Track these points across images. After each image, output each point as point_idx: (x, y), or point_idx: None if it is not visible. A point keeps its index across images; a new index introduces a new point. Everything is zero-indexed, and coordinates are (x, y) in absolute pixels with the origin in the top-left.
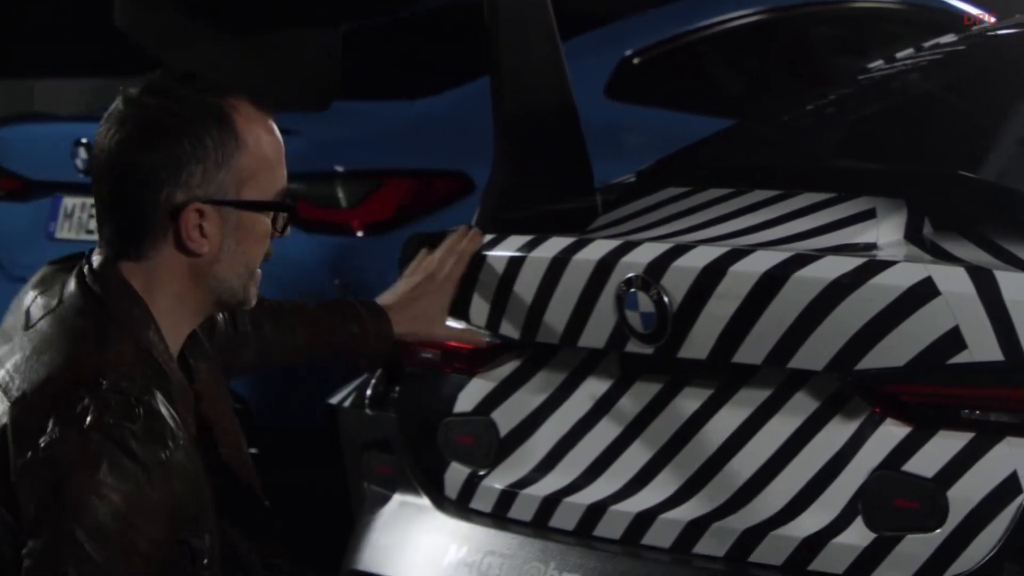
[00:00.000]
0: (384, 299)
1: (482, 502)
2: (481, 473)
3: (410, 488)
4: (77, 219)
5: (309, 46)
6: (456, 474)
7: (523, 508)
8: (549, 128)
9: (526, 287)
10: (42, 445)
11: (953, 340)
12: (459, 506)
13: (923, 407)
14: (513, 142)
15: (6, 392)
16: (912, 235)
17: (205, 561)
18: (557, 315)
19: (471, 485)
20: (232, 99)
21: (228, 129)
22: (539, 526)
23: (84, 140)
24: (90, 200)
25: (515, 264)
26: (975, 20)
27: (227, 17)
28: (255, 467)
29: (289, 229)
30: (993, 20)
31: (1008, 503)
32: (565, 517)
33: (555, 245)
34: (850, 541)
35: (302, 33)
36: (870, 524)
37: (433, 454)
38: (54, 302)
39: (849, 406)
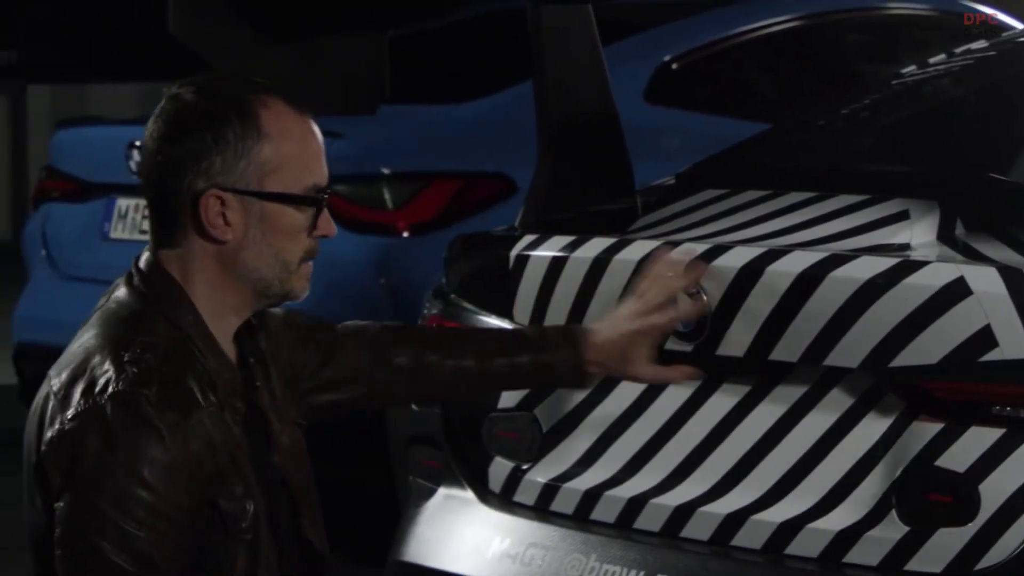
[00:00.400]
0: (588, 328)
1: (525, 495)
2: (524, 467)
3: (455, 482)
4: (131, 219)
5: (357, 52)
6: (500, 468)
7: (565, 501)
8: (590, 131)
9: (568, 286)
10: (67, 418)
11: (985, 338)
12: (503, 499)
13: (955, 403)
14: (555, 145)
15: (49, 377)
16: (945, 236)
17: (244, 525)
18: (599, 313)
19: (514, 479)
20: (263, 96)
21: (250, 123)
22: (581, 519)
23: (137, 143)
24: (143, 201)
25: (557, 264)
26: (976, 19)
27: (278, 24)
28: (316, 493)
29: (332, 227)
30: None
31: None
32: (606, 510)
33: (596, 245)
34: (884, 534)
35: (350, 39)
36: (903, 518)
37: (477, 449)
38: (106, 299)
39: (883, 403)
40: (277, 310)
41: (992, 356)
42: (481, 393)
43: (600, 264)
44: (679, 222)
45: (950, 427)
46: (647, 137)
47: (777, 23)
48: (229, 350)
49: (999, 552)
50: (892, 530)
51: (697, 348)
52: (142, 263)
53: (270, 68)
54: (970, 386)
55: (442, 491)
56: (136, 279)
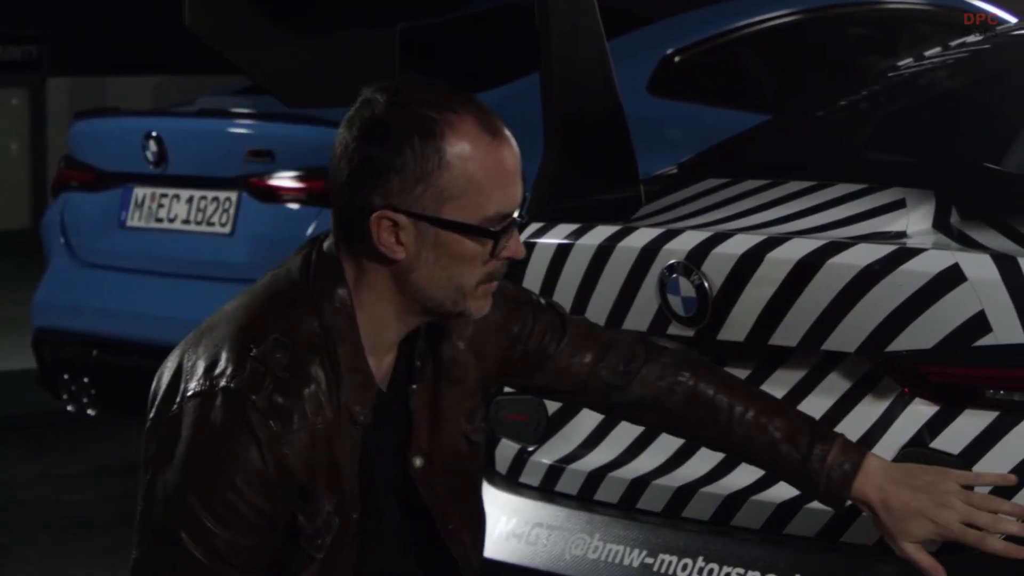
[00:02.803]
0: (876, 466)
1: (531, 476)
2: (530, 449)
3: None
4: (147, 208)
5: (368, 44)
6: (506, 450)
7: (570, 482)
8: (595, 122)
9: (573, 273)
10: (186, 394)
11: (979, 323)
12: (509, 480)
13: (950, 387)
14: (561, 136)
15: (200, 328)
16: (940, 224)
17: (319, 542)
18: (603, 299)
19: (520, 460)
20: (453, 114)
21: (432, 145)
22: (585, 499)
23: (154, 133)
24: (160, 190)
25: (563, 251)
26: (976, 19)
27: (291, 17)
28: (467, 502)
29: (520, 249)
30: (1016, 20)
31: None
32: (609, 491)
33: (601, 233)
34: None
35: (362, 32)
36: None
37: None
38: (283, 262)
39: (880, 386)
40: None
41: (986, 341)
42: (721, 451)
43: (604, 251)
44: (681, 210)
45: (945, 410)
46: (650, 128)
47: (778, 17)
48: (388, 353)
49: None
50: None
51: (698, 333)
52: (326, 246)
53: (283, 61)
54: (964, 370)
55: None
56: (314, 258)
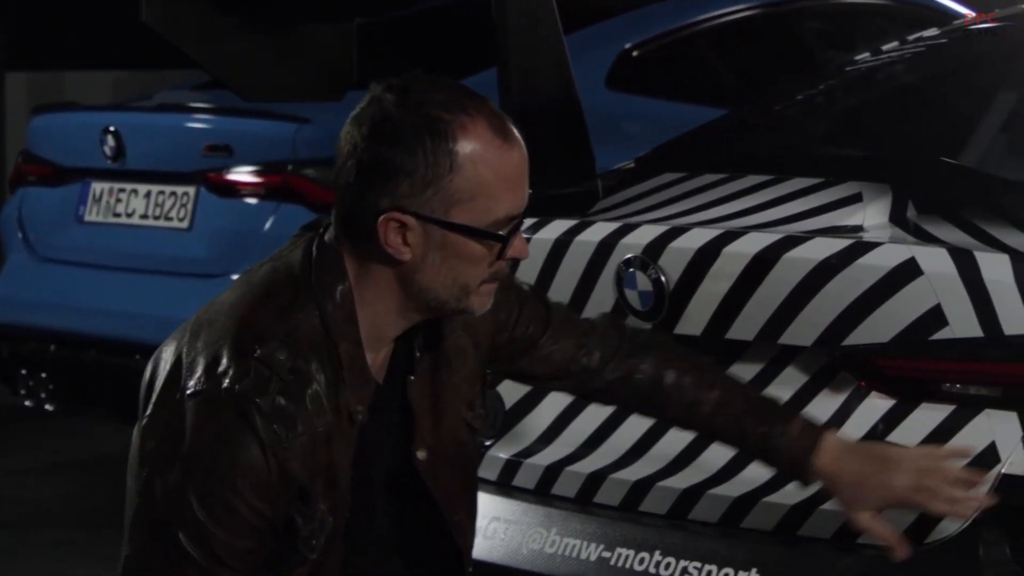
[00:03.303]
0: (835, 440)
1: (488, 471)
2: (487, 443)
3: None
4: (105, 203)
5: (326, 39)
6: None
7: (527, 477)
8: (553, 117)
9: (531, 267)
10: (186, 392)
11: (935, 317)
12: None
13: (906, 381)
14: (518, 130)
15: (196, 320)
16: (897, 218)
17: (314, 543)
18: (560, 293)
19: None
20: (465, 116)
21: (444, 148)
22: (542, 494)
23: (112, 128)
24: (117, 185)
25: None
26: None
27: (248, 12)
28: (467, 491)
29: (525, 250)
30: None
31: (987, 472)
32: (566, 485)
33: (558, 227)
34: (837, 508)
35: (320, 27)
36: None
37: None
38: (281, 253)
39: (836, 380)
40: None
41: (942, 335)
42: (689, 429)
43: (562, 245)
44: (638, 204)
45: (901, 404)
46: (608, 122)
47: (736, 12)
48: (384, 347)
49: (948, 525)
50: None
51: (656, 327)
52: (328, 238)
53: (240, 55)
54: (921, 364)
55: None
56: (315, 254)
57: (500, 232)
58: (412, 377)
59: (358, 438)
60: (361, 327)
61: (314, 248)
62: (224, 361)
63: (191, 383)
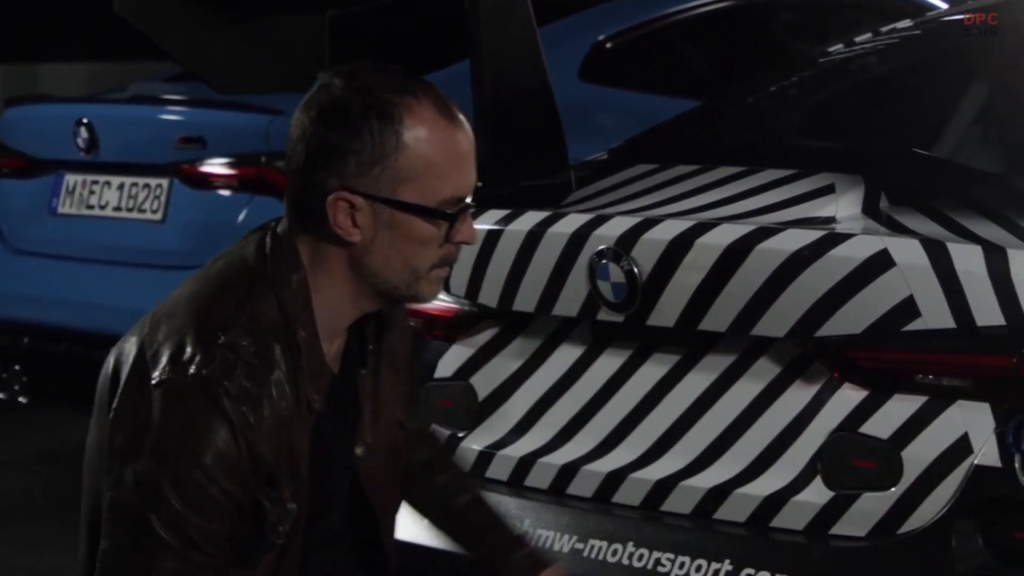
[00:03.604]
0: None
1: (461, 462)
2: (460, 435)
3: None
4: (79, 195)
5: (298, 31)
6: (437, 435)
7: (500, 468)
8: (526, 109)
9: (503, 258)
10: (151, 382)
11: (908, 308)
12: None
13: (879, 372)
14: (492, 122)
15: (154, 315)
16: (869, 209)
17: (281, 528)
18: (532, 285)
19: (451, 446)
20: (412, 98)
21: (391, 128)
22: (515, 485)
23: (85, 120)
24: (91, 177)
25: (493, 237)
26: (976, 19)
27: (221, 4)
28: (398, 490)
29: (473, 234)
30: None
31: (959, 463)
32: (540, 477)
33: (531, 219)
34: (810, 499)
35: (292, 19)
36: (828, 483)
37: None
38: (233, 248)
39: (809, 371)
40: (404, 326)
41: (915, 326)
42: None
43: (534, 237)
44: (611, 196)
45: (874, 395)
46: (581, 114)
47: (709, 4)
48: (338, 338)
49: (921, 517)
50: (818, 495)
51: (628, 319)
52: (280, 230)
53: (214, 47)
54: (894, 355)
55: None
56: (269, 245)
57: (448, 211)
58: (363, 371)
59: (315, 428)
60: (316, 316)
61: (267, 240)
62: (189, 349)
63: (156, 373)
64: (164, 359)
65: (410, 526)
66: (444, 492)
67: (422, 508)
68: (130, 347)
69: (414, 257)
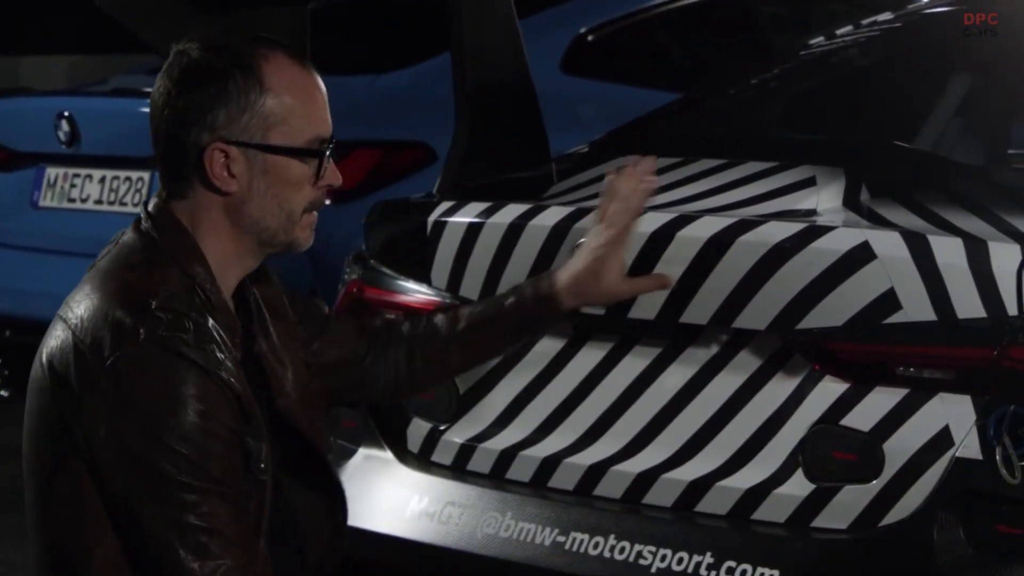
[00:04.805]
0: (555, 268)
1: (442, 455)
2: (442, 428)
3: (374, 442)
4: (60, 188)
5: (278, 22)
6: (418, 428)
7: (481, 461)
8: (507, 101)
9: (484, 251)
10: (105, 365)
11: (889, 301)
12: (420, 459)
13: (860, 364)
14: (473, 115)
15: (66, 322)
16: (850, 202)
17: (263, 466)
18: (513, 278)
19: (432, 439)
20: (266, 50)
21: (253, 77)
22: (497, 478)
23: (67, 113)
24: (72, 170)
25: (474, 229)
26: (975, 19)
27: None
28: (324, 429)
29: (338, 176)
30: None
31: (941, 455)
32: (521, 469)
33: (512, 211)
34: (791, 491)
35: (272, 11)
36: (810, 475)
37: (396, 409)
38: (113, 245)
39: (790, 364)
40: (274, 277)
41: (896, 318)
42: (474, 366)
43: (515, 230)
44: (592, 189)
45: (855, 387)
46: (563, 106)
47: None
48: (230, 300)
49: (903, 509)
50: (799, 487)
51: (609, 311)
52: (152, 208)
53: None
54: (874, 347)
55: (362, 451)
56: (146, 224)
57: (315, 149)
58: (255, 327)
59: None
60: (216, 275)
61: (144, 222)
62: (129, 321)
63: (107, 353)
64: (109, 340)
65: (388, 518)
66: (422, 335)
67: (430, 358)
68: (63, 345)
69: (289, 201)
